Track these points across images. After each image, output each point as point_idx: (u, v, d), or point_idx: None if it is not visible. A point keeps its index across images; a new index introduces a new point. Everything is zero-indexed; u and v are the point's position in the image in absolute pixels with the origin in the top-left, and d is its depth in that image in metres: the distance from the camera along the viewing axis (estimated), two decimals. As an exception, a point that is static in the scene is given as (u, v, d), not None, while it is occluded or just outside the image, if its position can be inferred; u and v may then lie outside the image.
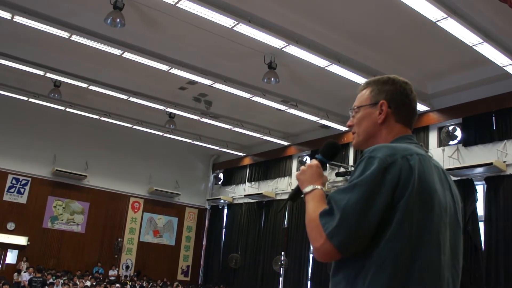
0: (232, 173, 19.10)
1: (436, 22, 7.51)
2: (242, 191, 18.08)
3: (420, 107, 11.05)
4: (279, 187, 16.40)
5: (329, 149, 1.82)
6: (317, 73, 10.43)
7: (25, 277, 13.70)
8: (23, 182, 16.27)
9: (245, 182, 18.21)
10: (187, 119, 14.71)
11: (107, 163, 17.61)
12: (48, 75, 11.98)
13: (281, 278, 15.31)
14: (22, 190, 16.21)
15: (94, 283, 13.71)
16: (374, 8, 8.32)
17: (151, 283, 16.02)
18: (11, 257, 15.80)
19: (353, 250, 1.41)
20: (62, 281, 13.26)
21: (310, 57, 9.37)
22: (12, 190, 16.04)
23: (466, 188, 10.45)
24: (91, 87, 12.56)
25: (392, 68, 9.48)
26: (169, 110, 13.99)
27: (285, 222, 15.68)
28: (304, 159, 15.98)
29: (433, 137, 11.83)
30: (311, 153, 15.36)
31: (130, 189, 18.34)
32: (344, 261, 1.45)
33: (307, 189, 1.61)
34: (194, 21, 8.73)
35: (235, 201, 18.42)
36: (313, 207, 1.52)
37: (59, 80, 12.44)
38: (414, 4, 7.09)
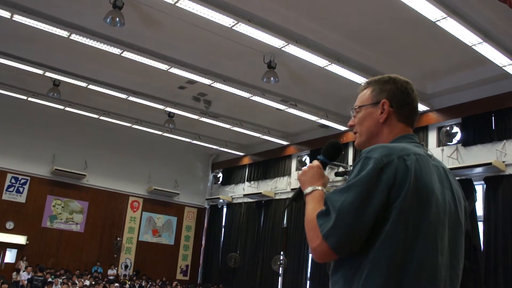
0: (231, 172, 19.11)
1: (436, 22, 7.51)
2: (241, 191, 18.08)
3: (420, 107, 10.97)
4: (278, 187, 16.40)
5: (330, 149, 1.81)
6: (316, 73, 10.43)
7: (24, 276, 13.71)
8: (22, 181, 16.26)
9: (244, 182, 18.22)
10: (187, 119, 14.70)
11: (106, 162, 17.61)
12: (47, 74, 11.97)
13: (280, 277, 15.30)
14: (21, 189, 16.20)
15: (93, 283, 13.71)
16: (374, 8, 8.31)
17: (150, 283, 16.02)
18: (10, 256, 15.79)
19: (349, 250, 1.42)
20: (61, 280, 13.26)
21: (310, 57, 9.37)
22: (11, 189, 16.03)
23: (465, 188, 10.44)
24: (90, 86, 12.55)
25: (392, 68, 9.48)
26: (169, 109, 13.98)
27: (284, 222, 15.69)
28: (304, 159, 15.98)
29: (432, 137, 11.84)
30: (310, 153, 15.37)
31: (129, 188, 18.34)
32: (342, 260, 1.46)
33: (307, 190, 1.62)
34: (194, 20, 8.73)
35: (234, 201, 18.42)
36: (312, 208, 1.53)
37: (58, 79, 12.43)
38: (414, 4, 7.08)
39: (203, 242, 19.78)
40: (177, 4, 7.88)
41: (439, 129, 11.77)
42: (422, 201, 1.44)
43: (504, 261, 9.58)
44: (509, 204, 9.85)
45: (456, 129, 11.49)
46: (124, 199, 18.31)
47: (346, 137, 13.40)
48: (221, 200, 18.87)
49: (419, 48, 9.52)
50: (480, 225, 10.31)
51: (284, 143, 16.08)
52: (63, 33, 9.56)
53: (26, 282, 13.42)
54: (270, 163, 16.98)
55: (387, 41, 9.37)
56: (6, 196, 15.90)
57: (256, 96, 11.99)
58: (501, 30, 8.22)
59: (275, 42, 8.92)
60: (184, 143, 17.75)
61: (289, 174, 16.13)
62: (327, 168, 1.81)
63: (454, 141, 11.45)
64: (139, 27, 9.76)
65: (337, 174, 13.23)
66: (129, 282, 15.55)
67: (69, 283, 12.79)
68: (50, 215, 16.66)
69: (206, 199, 19.97)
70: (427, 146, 11.66)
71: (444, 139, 11.58)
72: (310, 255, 13.88)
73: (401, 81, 1.71)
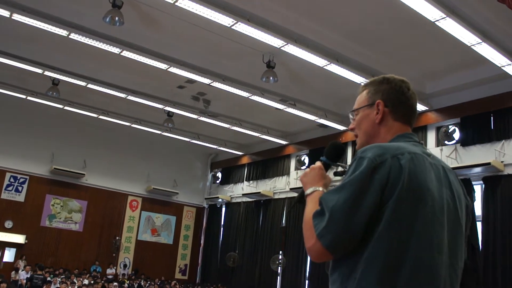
0: (230, 172, 19.10)
1: (435, 22, 7.52)
2: (240, 190, 18.08)
3: (418, 107, 10.99)
4: (277, 186, 16.40)
5: (332, 150, 1.83)
6: (315, 73, 10.43)
7: (22, 275, 13.71)
8: (21, 180, 16.25)
9: (243, 181, 18.21)
10: (186, 118, 14.70)
11: (105, 161, 17.60)
12: (47, 73, 11.97)
13: (279, 277, 15.33)
14: (20, 188, 16.19)
15: (92, 282, 13.70)
16: (373, 8, 8.32)
17: (148, 282, 16.03)
18: (8, 255, 15.79)
19: (343, 250, 1.42)
20: (59, 279, 13.26)
21: (309, 56, 9.37)
22: (10, 188, 16.02)
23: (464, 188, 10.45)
24: (90, 86, 12.55)
25: (391, 68, 9.49)
26: (168, 108, 13.98)
27: (283, 221, 15.70)
28: (303, 159, 15.99)
29: (431, 137, 11.85)
30: (309, 153, 15.38)
31: (128, 187, 18.33)
32: (339, 260, 1.47)
33: (308, 191, 1.64)
34: (193, 19, 8.73)
35: (233, 200, 18.42)
36: (310, 209, 1.54)
37: (58, 78, 12.42)
38: (413, 4, 7.09)
39: (202, 242, 19.78)
40: (176, 4, 7.88)
41: (438, 129, 11.78)
42: (416, 200, 1.44)
43: (502, 261, 9.60)
44: (507, 204, 9.87)
45: (455, 129, 11.51)
46: (123, 199, 18.30)
47: (345, 136, 13.41)
48: (220, 200, 18.86)
49: (418, 48, 9.52)
50: (479, 225, 10.32)
51: (283, 142, 16.08)
52: (63, 33, 9.56)
53: (24, 281, 13.42)
54: (269, 163, 16.98)
55: (387, 41, 9.38)
56: (5, 195, 15.89)
57: (255, 96, 11.99)
58: (500, 30, 8.24)
59: (275, 41, 8.92)
60: (183, 143, 17.74)
61: (288, 173, 16.13)
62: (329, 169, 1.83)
63: (453, 141, 11.47)
64: (139, 27, 9.76)
65: (336, 174, 13.06)
66: (127, 281, 15.55)
67: (68, 282, 12.80)
68: (49, 214, 16.65)
69: (205, 199, 19.97)
70: (426, 146, 11.66)
71: (443, 139, 11.60)
72: (309, 255, 13.89)
73: (396, 80, 1.71)
